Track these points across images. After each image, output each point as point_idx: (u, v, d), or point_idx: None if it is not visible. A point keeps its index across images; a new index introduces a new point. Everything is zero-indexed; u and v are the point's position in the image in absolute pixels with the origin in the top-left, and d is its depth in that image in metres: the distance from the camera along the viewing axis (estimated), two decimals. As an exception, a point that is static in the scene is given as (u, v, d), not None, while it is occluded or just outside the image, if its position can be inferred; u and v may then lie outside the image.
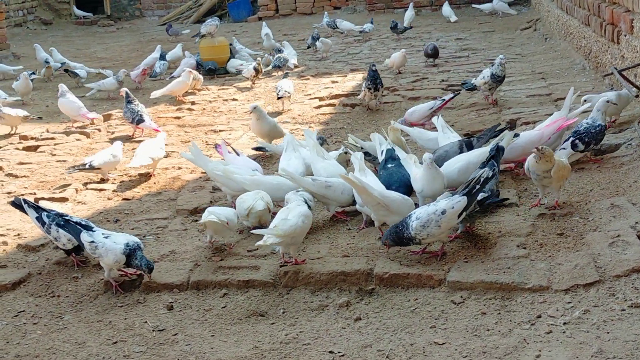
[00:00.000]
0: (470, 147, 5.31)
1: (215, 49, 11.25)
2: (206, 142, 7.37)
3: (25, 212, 4.73)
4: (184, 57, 11.31)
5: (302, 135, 6.31)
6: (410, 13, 14.79)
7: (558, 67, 9.10)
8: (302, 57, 12.02)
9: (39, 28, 18.88)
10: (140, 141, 7.41)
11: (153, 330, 3.82)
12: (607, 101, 5.49)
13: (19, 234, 5.17)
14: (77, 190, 6.09)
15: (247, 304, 4.03)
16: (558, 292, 3.74)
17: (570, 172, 4.75)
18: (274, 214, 4.77)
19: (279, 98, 8.50)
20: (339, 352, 3.46)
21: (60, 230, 4.48)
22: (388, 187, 4.74)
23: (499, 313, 3.66)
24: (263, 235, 4.13)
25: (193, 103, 9.15)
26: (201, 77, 10.04)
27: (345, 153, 5.61)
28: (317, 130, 7.25)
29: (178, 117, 8.49)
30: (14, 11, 18.29)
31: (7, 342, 3.80)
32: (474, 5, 16.13)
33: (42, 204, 5.16)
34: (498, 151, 4.76)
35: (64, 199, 5.86)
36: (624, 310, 3.48)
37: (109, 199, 5.88)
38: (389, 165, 5.07)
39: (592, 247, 4.08)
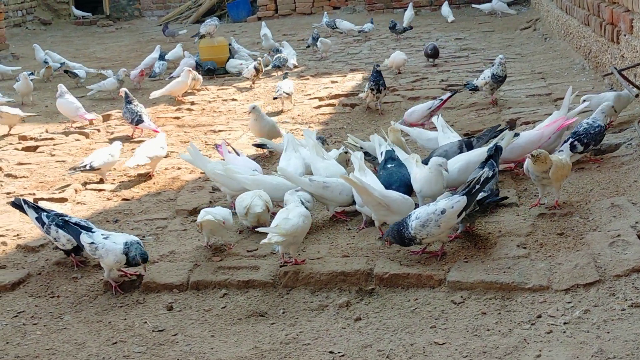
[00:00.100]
0: (469, 147, 5.31)
1: (215, 49, 11.24)
2: (205, 142, 7.36)
3: (25, 212, 4.73)
4: (184, 57, 11.30)
5: (302, 135, 6.30)
6: (409, 13, 14.78)
7: (558, 67, 9.10)
8: (301, 57, 12.02)
9: (38, 28, 18.87)
10: (139, 141, 7.41)
11: (153, 331, 3.82)
12: (612, 107, 5.50)
13: (18, 235, 5.16)
14: (76, 190, 6.08)
15: (247, 304, 4.03)
16: (558, 292, 3.74)
17: (570, 171, 4.75)
18: (274, 214, 4.77)
19: (274, 98, 8.51)
20: (339, 352, 3.46)
21: (60, 231, 4.48)
22: (388, 187, 4.73)
23: (499, 313, 3.66)
24: (266, 234, 4.12)
25: (192, 103, 9.15)
26: (200, 77, 10.03)
27: (345, 153, 5.60)
28: (317, 130, 7.25)
29: (177, 118, 8.49)
30: (13, 11, 18.27)
31: (7, 343, 3.80)
32: (473, 5, 16.13)
33: (41, 204, 5.15)
34: (497, 151, 4.76)
35: (63, 200, 5.86)
36: (624, 310, 3.48)
37: (108, 199, 5.88)
38: (389, 166, 5.07)
39: (592, 247, 4.07)
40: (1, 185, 6.37)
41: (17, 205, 4.78)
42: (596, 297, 3.64)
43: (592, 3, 8.14)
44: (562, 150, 5.11)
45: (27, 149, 7.51)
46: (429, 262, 4.19)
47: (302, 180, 4.90)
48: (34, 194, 5.97)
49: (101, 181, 6.25)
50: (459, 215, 4.13)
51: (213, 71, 10.93)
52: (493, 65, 7.54)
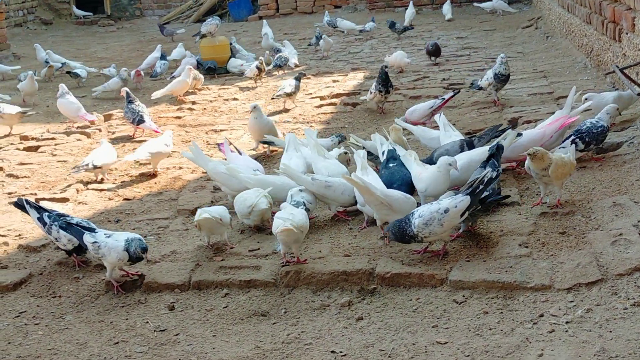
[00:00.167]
0: (471, 146, 5.30)
1: (216, 49, 11.23)
2: (207, 141, 7.36)
3: (27, 212, 4.73)
4: (186, 57, 11.31)
5: (303, 134, 6.29)
6: (410, 11, 14.78)
7: (559, 66, 9.09)
8: (302, 56, 12.01)
9: (39, 28, 18.88)
10: (141, 141, 7.42)
11: (154, 331, 3.82)
12: (617, 109, 5.50)
13: (20, 235, 5.16)
14: (78, 190, 6.09)
15: (249, 304, 4.02)
16: (560, 291, 3.73)
17: (573, 169, 4.74)
18: (274, 213, 4.78)
19: (272, 98, 8.50)
20: (340, 352, 3.46)
21: (61, 231, 4.48)
22: (390, 186, 4.73)
23: (501, 312, 3.66)
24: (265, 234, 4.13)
25: (194, 103, 9.15)
26: (202, 76, 10.02)
27: (345, 153, 5.59)
28: (318, 129, 7.25)
29: (179, 117, 8.49)
30: (14, 11, 18.28)
31: (9, 343, 3.80)
32: (475, 4, 16.11)
33: (43, 204, 5.15)
34: (498, 150, 4.76)
35: (64, 199, 5.86)
36: (627, 309, 3.47)
37: (109, 199, 5.88)
38: (391, 165, 5.06)
39: (594, 246, 4.07)
40: (3, 186, 6.37)
41: (20, 205, 4.78)
42: (598, 296, 3.63)
43: (594, 1, 8.12)
44: (563, 147, 5.10)
45: (28, 149, 7.52)
46: (431, 262, 4.18)
47: (305, 179, 4.90)
48: (36, 194, 5.98)
49: (103, 181, 6.25)
50: (462, 215, 4.12)
51: (214, 70, 10.92)
52: (495, 65, 7.52)
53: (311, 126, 7.53)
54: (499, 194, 4.70)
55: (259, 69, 9.85)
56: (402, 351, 3.41)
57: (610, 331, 3.32)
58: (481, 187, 4.17)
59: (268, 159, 6.57)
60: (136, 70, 10.25)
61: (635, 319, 3.38)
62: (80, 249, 4.51)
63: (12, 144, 7.73)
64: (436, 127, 6.07)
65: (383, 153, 5.27)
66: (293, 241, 4.23)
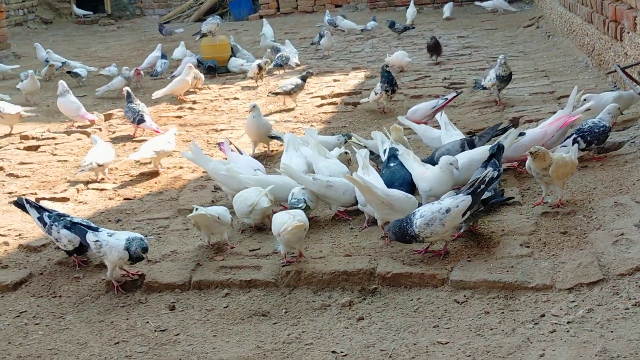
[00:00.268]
0: (472, 145, 5.29)
1: (217, 48, 11.22)
2: (207, 141, 7.36)
3: (27, 212, 4.72)
4: (186, 56, 11.30)
5: (304, 134, 6.28)
6: (411, 10, 14.77)
7: (561, 65, 9.07)
8: (303, 55, 12.00)
9: (40, 27, 18.88)
10: (141, 141, 7.43)
11: (155, 331, 3.81)
12: (619, 107, 5.49)
13: (20, 234, 5.16)
14: (78, 190, 6.08)
15: (249, 303, 4.02)
16: (562, 291, 3.72)
17: (575, 169, 4.73)
18: (274, 212, 4.78)
19: (272, 94, 8.54)
20: (341, 352, 3.45)
21: (62, 231, 4.48)
22: (391, 185, 4.72)
23: (503, 312, 3.65)
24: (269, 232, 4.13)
25: (194, 102, 9.14)
26: (202, 75, 10.01)
27: (346, 153, 5.58)
28: (319, 129, 7.23)
29: (179, 117, 8.48)
30: (15, 10, 18.29)
31: (9, 343, 3.80)
32: (476, 3, 16.10)
33: (43, 204, 5.15)
34: (499, 149, 4.74)
35: (65, 199, 5.86)
36: (628, 309, 3.47)
37: (110, 198, 5.87)
38: (392, 164, 5.05)
39: (595, 246, 4.06)
40: (3, 185, 6.37)
41: (20, 204, 4.78)
42: (600, 296, 3.63)
43: (595, 0, 8.11)
44: (564, 146, 5.09)
45: (28, 148, 7.52)
46: (432, 262, 4.18)
47: (306, 179, 4.89)
48: (36, 194, 5.98)
49: (103, 180, 6.25)
50: (463, 215, 4.11)
51: (214, 69, 10.91)
52: (495, 66, 7.51)
53: (312, 125, 7.52)
54: (502, 195, 4.69)
55: (260, 68, 9.83)
56: (403, 351, 3.40)
57: (612, 331, 3.31)
58: (482, 186, 4.17)
59: (269, 159, 6.56)
60: (136, 69, 10.23)
61: (636, 319, 3.38)
62: (81, 249, 4.51)
63: (12, 143, 7.73)
64: (437, 127, 6.06)
65: (384, 152, 5.26)
66: (297, 239, 4.22)
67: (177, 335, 3.76)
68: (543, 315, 3.55)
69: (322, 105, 8.55)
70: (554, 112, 5.83)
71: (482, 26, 13.85)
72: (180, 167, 6.51)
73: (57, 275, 4.53)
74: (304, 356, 3.47)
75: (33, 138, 7.84)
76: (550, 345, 3.28)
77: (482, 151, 4.98)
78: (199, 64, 10.87)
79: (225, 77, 10.83)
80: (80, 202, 5.82)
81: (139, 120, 7.48)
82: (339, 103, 8.53)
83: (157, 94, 8.94)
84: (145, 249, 4.15)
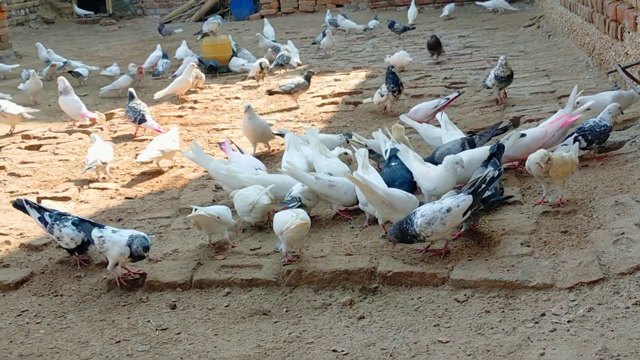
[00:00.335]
0: (472, 144, 5.30)
1: (218, 48, 11.23)
2: (209, 140, 7.37)
3: (27, 212, 4.73)
4: (188, 56, 11.32)
5: (304, 133, 6.28)
6: (412, 10, 14.77)
7: (561, 65, 9.08)
8: (304, 55, 12.01)
9: (41, 27, 18.90)
10: (142, 140, 7.44)
11: (156, 329, 3.82)
12: (620, 107, 5.49)
13: (21, 233, 5.17)
14: (79, 189, 6.09)
15: (250, 302, 4.02)
16: (562, 290, 3.73)
17: (575, 167, 4.73)
18: (275, 211, 4.79)
19: (270, 93, 8.59)
20: (342, 351, 3.46)
21: (64, 230, 4.49)
22: (391, 184, 4.73)
23: (503, 311, 3.65)
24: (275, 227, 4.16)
25: (195, 102, 9.15)
26: (202, 75, 10.02)
27: (346, 154, 5.58)
28: (320, 128, 7.24)
29: (180, 116, 8.49)
30: (16, 10, 18.31)
31: (11, 342, 3.80)
32: (477, 3, 16.11)
33: (44, 203, 5.16)
34: (499, 149, 4.75)
35: (66, 198, 5.87)
36: (629, 308, 3.47)
37: (111, 198, 5.88)
38: (393, 164, 5.06)
39: (596, 245, 4.06)
40: (4, 184, 6.38)
41: (19, 205, 4.78)
42: (600, 295, 3.63)
43: (596, 0, 8.11)
44: (565, 144, 5.09)
45: (30, 147, 7.53)
46: (433, 261, 4.18)
47: (308, 178, 4.89)
48: (37, 193, 5.99)
49: (104, 180, 6.26)
50: (464, 214, 4.12)
51: (215, 69, 10.92)
52: (496, 66, 7.49)
53: (313, 125, 7.53)
54: (502, 194, 4.69)
55: (262, 67, 9.84)
56: (404, 350, 3.41)
57: (612, 330, 3.32)
58: (483, 186, 4.17)
59: (270, 158, 6.57)
60: (139, 67, 10.26)
61: (637, 318, 3.38)
62: (82, 247, 4.52)
63: (13, 142, 7.74)
64: (439, 126, 6.06)
65: (386, 152, 5.26)
66: (300, 238, 4.23)
67: (178, 334, 3.77)
68: (543, 314, 3.55)
69: (323, 104, 8.55)
70: (555, 112, 5.83)
71: (483, 26, 13.86)
72: (182, 167, 6.51)
73: (59, 274, 4.54)
74: (305, 355, 3.47)
75: (34, 137, 7.86)
76: (551, 344, 3.29)
77: (482, 150, 4.99)
78: (201, 63, 10.88)
79: (227, 76, 10.84)
80: (81, 201, 5.83)
81: (140, 119, 7.48)
82: (340, 102, 8.54)
83: (158, 94, 8.95)
84: (146, 248, 4.16)
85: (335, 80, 9.81)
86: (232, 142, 6.08)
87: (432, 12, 16.64)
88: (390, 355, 3.38)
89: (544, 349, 3.26)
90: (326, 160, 5.32)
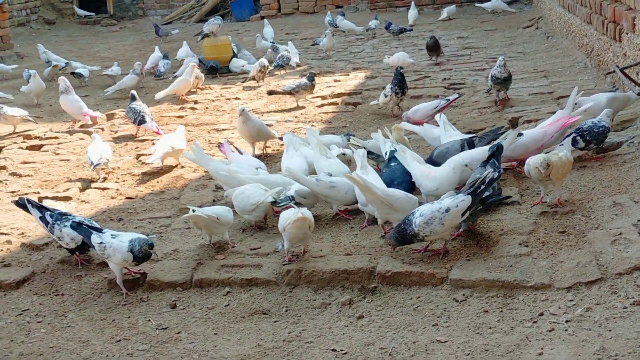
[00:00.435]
0: (471, 146, 5.31)
1: (218, 48, 11.24)
2: (209, 141, 7.38)
3: (28, 211, 4.75)
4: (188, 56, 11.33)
5: (304, 134, 6.30)
6: (413, 12, 14.78)
7: (560, 66, 9.09)
8: (304, 55, 12.02)
9: (42, 28, 18.91)
10: (143, 140, 7.46)
11: (156, 329, 3.83)
12: (613, 112, 5.52)
13: (23, 233, 5.19)
14: (80, 189, 6.11)
15: (250, 302, 4.04)
16: (560, 290, 3.74)
17: (571, 166, 4.75)
18: (278, 211, 4.80)
19: (269, 94, 8.66)
20: (341, 350, 3.47)
21: (64, 229, 4.50)
22: (390, 184, 4.75)
23: (501, 311, 3.67)
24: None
25: (196, 102, 9.17)
26: (202, 75, 10.03)
27: (344, 154, 5.59)
28: (319, 129, 7.26)
29: (181, 116, 8.51)
30: (17, 11, 18.33)
31: (11, 341, 3.82)
32: (476, 4, 16.12)
33: (45, 203, 5.18)
34: (498, 150, 4.76)
35: (67, 198, 5.88)
36: (626, 308, 3.49)
37: (112, 198, 5.90)
38: (392, 164, 5.08)
39: (594, 245, 4.08)
40: (6, 184, 6.40)
41: (21, 204, 4.80)
42: (598, 295, 3.65)
43: (594, 1, 8.13)
44: (562, 145, 5.11)
45: (31, 147, 7.55)
46: (432, 260, 4.20)
47: (309, 180, 4.91)
48: (39, 193, 6.00)
49: (105, 180, 6.28)
50: (462, 214, 4.14)
51: (216, 70, 10.94)
52: (494, 67, 7.49)
53: (312, 125, 7.54)
54: (500, 194, 4.71)
55: (261, 66, 9.84)
56: (403, 349, 3.42)
57: (610, 330, 3.33)
58: (482, 187, 4.19)
59: (269, 158, 6.58)
60: (141, 67, 10.29)
61: (634, 317, 3.40)
62: (83, 247, 4.54)
63: (15, 142, 7.75)
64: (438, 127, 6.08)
65: (386, 153, 5.27)
66: (302, 235, 4.24)
67: (179, 333, 3.78)
68: (542, 314, 3.57)
69: (322, 105, 8.57)
70: (553, 113, 5.85)
71: (482, 27, 13.87)
72: (182, 167, 6.53)
73: (60, 273, 4.55)
74: (304, 354, 3.49)
75: (36, 137, 7.87)
76: (549, 344, 3.30)
77: (481, 151, 5.00)
78: (201, 63, 10.90)
79: (227, 77, 10.85)
80: (82, 201, 5.85)
81: (139, 121, 7.49)
82: (340, 103, 8.55)
83: (159, 95, 8.97)
84: (151, 245, 4.17)
85: (335, 81, 9.83)
86: (231, 144, 6.10)
87: (431, 14, 16.65)
88: (389, 355, 3.40)
89: (542, 348, 3.27)
90: (326, 161, 5.34)
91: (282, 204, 4.77)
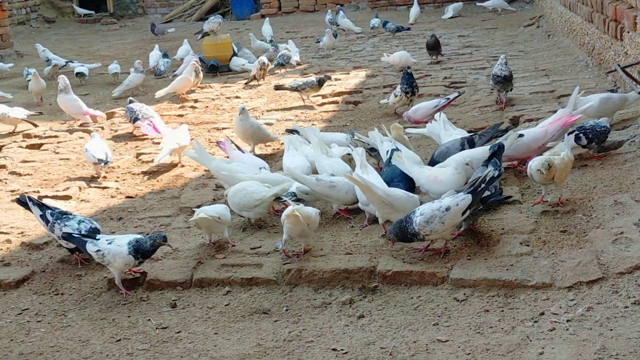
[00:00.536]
0: (472, 144, 5.31)
1: (218, 47, 11.23)
2: (209, 139, 7.37)
3: (30, 209, 4.74)
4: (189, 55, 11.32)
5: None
6: (415, 10, 14.75)
7: (561, 64, 9.08)
8: (305, 54, 12.01)
9: (42, 26, 18.91)
10: (142, 139, 7.45)
11: (156, 328, 3.83)
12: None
13: (22, 232, 5.18)
14: (80, 188, 6.10)
15: (250, 301, 4.04)
16: (561, 290, 3.74)
17: (572, 164, 4.74)
18: (279, 211, 4.79)
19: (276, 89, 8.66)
20: (342, 350, 3.47)
21: (64, 229, 4.48)
22: (390, 182, 4.74)
23: (502, 310, 3.66)
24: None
25: (196, 101, 9.16)
26: (201, 74, 10.02)
27: (349, 155, 5.58)
28: (320, 127, 7.25)
29: (181, 115, 8.50)
30: (17, 9, 18.32)
31: (11, 340, 3.82)
32: (477, 3, 16.10)
33: (45, 202, 5.16)
34: (499, 149, 4.75)
35: (67, 197, 5.88)
36: (627, 308, 3.48)
37: (112, 197, 5.90)
38: (393, 163, 5.06)
39: (595, 244, 4.07)
40: (5, 183, 6.39)
41: (22, 202, 4.79)
42: (599, 294, 3.64)
43: (595, 0, 8.12)
44: (563, 141, 5.11)
45: (31, 146, 7.54)
46: (432, 260, 4.19)
47: (309, 180, 4.90)
48: (38, 192, 6.00)
49: (105, 179, 6.28)
50: (463, 213, 4.13)
51: (216, 68, 10.93)
52: (495, 65, 7.46)
53: (313, 124, 7.53)
54: (501, 194, 4.70)
55: (261, 65, 9.83)
56: (403, 349, 3.42)
57: (611, 329, 3.33)
58: (483, 185, 4.18)
59: (270, 157, 6.58)
60: (142, 63, 10.28)
61: (635, 317, 3.39)
62: (83, 246, 4.53)
63: (15, 141, 7.75)
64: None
65: (387, 152, 5.26)
66: (300, 232, 4.24)
67: (179, 332, 3.78)
68: (542, 314, 3.56)
69: (323, 104, 8.56)
70: (554, 111, 5.84)
71: (483, 25, 13.86)
72: (182, 166, 6.52)
73: (59, 273, 4.55)
74: (305, 354, 3.48)
75: (36, 136, 7.86)
76: (550, 344, 3.30)
77: (481, 150, 4.99)
78: (201, 62, 10.88)
79: (227, 76, 10.84)
80: (82, 200, 5.84)
81: (134, 119, 7.47)
82: (340, 102, 8.55)
83: (159, 93, 8.97)
84: (165, 238, 4.19)
85: (336, 79, 9.81)
86: (232, 142, 6.09)
87: (432, 12, 16.63)
88: (390, 354, 3.39)
89: (543, 348, 3.27)
90: (328, 160, 5.33)
91: (283, 200, 4.78)
